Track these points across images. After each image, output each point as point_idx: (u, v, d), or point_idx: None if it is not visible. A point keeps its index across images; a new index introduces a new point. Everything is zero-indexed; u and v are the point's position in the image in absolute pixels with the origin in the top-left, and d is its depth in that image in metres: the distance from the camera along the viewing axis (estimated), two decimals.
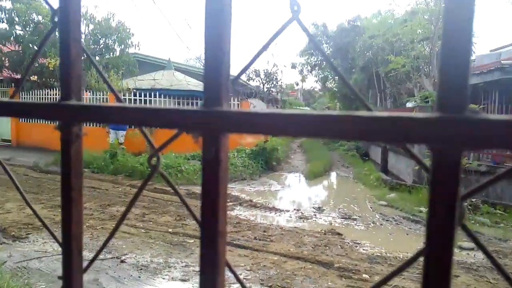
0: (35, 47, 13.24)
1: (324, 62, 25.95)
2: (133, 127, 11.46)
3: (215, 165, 0.33)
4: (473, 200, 7.55)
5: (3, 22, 13.11)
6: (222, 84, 0.33)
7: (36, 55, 0.62)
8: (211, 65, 0.33)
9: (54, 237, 0.58)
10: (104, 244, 0.55)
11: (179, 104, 13.16)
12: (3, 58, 13.80)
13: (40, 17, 13.40)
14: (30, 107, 0.41)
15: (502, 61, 10.26)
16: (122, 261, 4.38)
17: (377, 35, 15.03)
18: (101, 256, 4.54)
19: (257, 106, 15.92)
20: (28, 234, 5.07)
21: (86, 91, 12.91)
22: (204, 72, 0.33)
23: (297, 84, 45.51)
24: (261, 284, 3.96)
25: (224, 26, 0.32)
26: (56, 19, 0.47)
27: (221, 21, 0.32)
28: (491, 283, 4.25)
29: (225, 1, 0.32)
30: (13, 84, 14.86)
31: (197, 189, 8.51)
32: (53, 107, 0.39)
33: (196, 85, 14.16)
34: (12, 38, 13.15)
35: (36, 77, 13.99)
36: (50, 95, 13.06)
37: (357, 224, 6.52)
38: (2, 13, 12.91)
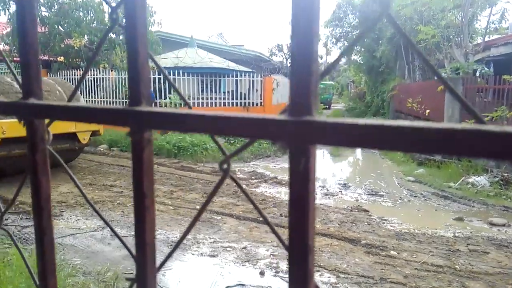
0: (60, 27, 13.42)
1: (349, 34, 25.22)
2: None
3: (305, 178, 0.31)
4: (504, 175, 7.33)
5: None
6: (311, 90, 0.31)
7: (98, 48, 0.61)
8: (300, 68, 0.31)
9: (129, 251, 0.57)
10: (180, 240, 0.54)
11: (202, 82, 13.18)
12: None
13: None
14: (98, 112, 0.40)
15: None
16: None
17: (405, 4, 14.42)
18: (132, 233, 4.69)
19: (280, 81, 15.75)
20: (62, 211, 5.28)
21: (111, 70, 13.08)
22: (291, 75, 0.32)
23: (321, 58, 44.65)
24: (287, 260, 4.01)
25: (313, 22, 0.31)
26: (114, 16, 0.48)
27: (310, 16, 0.31)
28: None
29: None
30: (41, 66, 15.19)
31: None
32: (124, 113, 0.38)
33: (219, 62, 14.10)
34: (38, 20, 13.33)
35: (63, 58, 14.25)
36: (77, 75, 13.31)
37: (384, 200, 6.46)
38: None
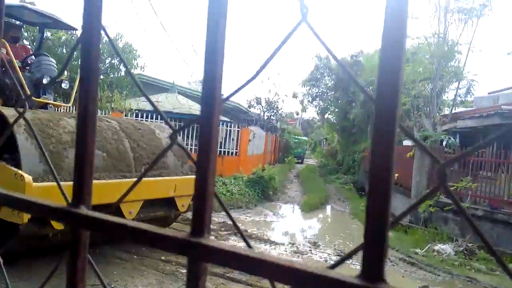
0: None
1: (325, 94, 26.27)
2: None
3: None
4: (469, 245, 7.50)
5: None
6: (384, 255, 0.32)
7: None
8: (373, 231, 0.32)
9: None
10: None
11: (180, 126, 13.20)
12: None
13: (48, 34, 13.57)
14: (158, 237, 0.39)
15: (502, 107, 10.41)
16: None
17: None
18: (90, 282, 4.43)
19: (256, 133, 15.98)
20: None
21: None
22: (365, 236, 0.33)
23: (297, 114, 45.91)
24: None
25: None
26: None
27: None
28: None
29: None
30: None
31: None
32: (186, 243, 0.37)
33: (198, 109, 14.26)
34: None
35: None
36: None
37: (353, 263, 6.42)
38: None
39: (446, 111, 14.46)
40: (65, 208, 0.45)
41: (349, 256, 0.39)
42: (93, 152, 0.46)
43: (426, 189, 9.34)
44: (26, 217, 3.73)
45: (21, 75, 5.80)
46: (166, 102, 13.26)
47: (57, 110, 6.96)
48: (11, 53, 5.85)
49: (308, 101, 28.73)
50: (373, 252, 0.32)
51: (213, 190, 0.39)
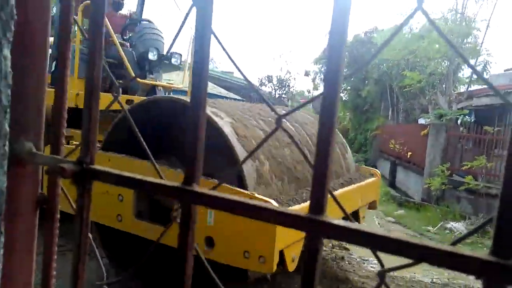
0: None
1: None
2: None
3: None
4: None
5: None
6: None
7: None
8: None
9: None
10: None
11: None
12: None
13: None
14: (282, 215, 0.42)
15: None
16: None
17: (393, 50, 14.96)
18: None
19: None
20: None
21: None
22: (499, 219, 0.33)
23: (309, 92, 45.48)
24: None
25: None
26: None
27: None
28: None
29: None
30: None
31: None
32: (305, 220, 0.41)
33: (210, 87, 14.25)
34: None
35: None
36: None
37: None
38: None
39: (462, 89, 14.20)
40: (179, 186, 0.48)
41: (476, 230, 0.41)
42: (203, 136, 0.49)
43: (440, 167, 9.29)
44: (274, 263, 2.26)
45: (122, 52, 4.41)
46: (178, 80, 13.26)
47: (167, 94, 5.60)
48: (109, 24, 4.21)
49: (320, 79, 28.44)
50: (508, 229, 0.32)
51: (331, 175, 0.42)
